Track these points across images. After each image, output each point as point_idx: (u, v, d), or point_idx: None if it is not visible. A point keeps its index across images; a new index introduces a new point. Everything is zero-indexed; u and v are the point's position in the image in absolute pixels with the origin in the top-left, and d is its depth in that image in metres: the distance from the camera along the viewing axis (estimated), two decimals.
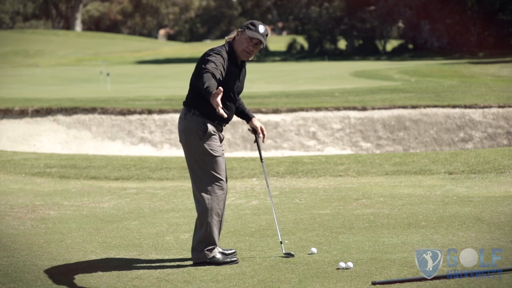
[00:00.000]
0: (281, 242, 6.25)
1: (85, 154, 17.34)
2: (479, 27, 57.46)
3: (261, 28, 5.97)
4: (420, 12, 60.86)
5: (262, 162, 6.42)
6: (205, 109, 5.91)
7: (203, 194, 5.92)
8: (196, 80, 5.88)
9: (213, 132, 5.96)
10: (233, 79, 5.98)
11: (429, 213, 7.67)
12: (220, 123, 6.02)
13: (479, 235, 6.56)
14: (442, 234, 6.67)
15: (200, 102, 5.92)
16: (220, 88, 5.41)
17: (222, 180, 5.97)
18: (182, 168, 12.04)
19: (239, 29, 6.03)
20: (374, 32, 64.64)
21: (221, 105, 5.40)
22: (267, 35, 6.01)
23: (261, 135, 6.27)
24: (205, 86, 5.50)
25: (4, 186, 10.83)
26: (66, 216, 8.34)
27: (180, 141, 6.04)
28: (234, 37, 6.03)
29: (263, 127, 6.27)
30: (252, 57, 6.10)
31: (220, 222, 6.00)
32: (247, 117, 6.27)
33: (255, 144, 6.34)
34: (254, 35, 5.93)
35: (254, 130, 6.28)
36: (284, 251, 6.17)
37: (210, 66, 5.69)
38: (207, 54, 5.88)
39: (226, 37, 6.08)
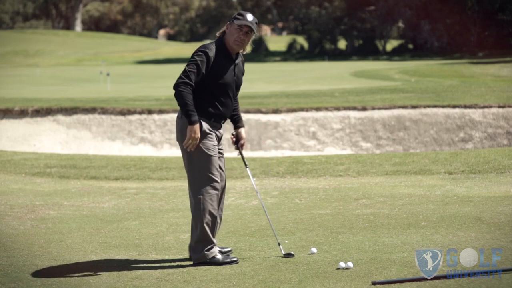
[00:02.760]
0: (279, 244, 6.24)
1: (85, 154, 17.34)
2: (479, 27, 57.46)
3: (249, 17, 5.95)
4: (420, 12, 60.85)
5: (247, 167, 6.39)
6: (201, 108, 5.91)
7: (196, 194, 5.92)
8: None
9: (208, 131, 5.94)
10: (227, 72, 5.95)
11: (429, 213, 7.67)
12: (217, 121, 6.01)
13: (479, 235, 6.56)
14: (442, 234, 6.67)
15: (195, 101, 5.91)
16: (197, 128, 5.71)
17: (215, 180, 5.94)
18: (182, 168, 12.03)
19: (228, 22, 6.03)
20: (374, 32, 64.64)
21: (196, 139, 5.74)
22: (256, 23, 5.99)
23: (241, 142, 6.30)
24: (186, 109, 5.74)
25: (4, 186, 10.83)
26: (66, 216, 8.34)
27: (177, 140, 6.04)
28: (224, 31, 6.02)
29: (246, 139, 6.34)
30: (247, 48, 6.07)
31: (215, 221, 5.99)
32: (237, 125, 6.30)
33: (236, 149, 6.34)
34: (242, 23, 5.92)
35: (237, 139, 6.29)
36: (283, 252, 6.16)
37: (189, 68, 5.81)
38: (193, 54, 5.93)
39: (217, 33, 6.08)
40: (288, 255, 6.10)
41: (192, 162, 5.94)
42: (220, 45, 5.97)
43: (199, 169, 5.93)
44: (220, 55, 5.93)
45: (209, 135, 5.96)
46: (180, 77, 5.81)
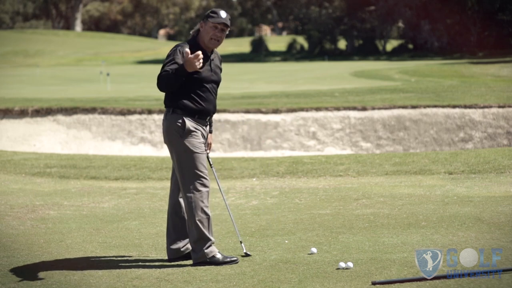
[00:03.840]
0: (241, 242, 6.32)
1: (85, 154, 17.34)
2: (479, 27, 57.45)
3: (223, 13, 6.03)
4: (420, 12, 60.84)
5: (212, 167, 6.44)
6: (183, 106, 5.95)
7: (187, 193, 5.96)
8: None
9: (192, 129, 5.97)
10: (203, 68, 5.98)
11: (429, 213, 7.67)
12: (202, 117, 6.02)
13: (479, 235, 6.56)
14: (442, 234, 6.67)
15: (177, 100, 5.95)
16: (187, 50, 5.72)
17: (203, 177, 5.97)
18: None
19: (201, 21, 6.07)
20: (374, 32, 64.63)
21: (192, 58, 5.69)
22: (230, 19, 6.07)
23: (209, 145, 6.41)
24: (171, 73, 5.75)
25: (4, 186, 10.83)
26: (66, 216, 8.34)
27: (164, 141, 6.08)
28: (198, 29, 6.06)
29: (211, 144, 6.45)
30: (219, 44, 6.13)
31: (208, 218, 6.00)
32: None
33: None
34: (217, 20, 5.98)
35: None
36: (244, 250, 6.22)
37: (162, 70, 5.86)
38: (168, 54, 5.98)
39: (191, 31, 6.12)
40: (246, 255, 6.16)
41: (180, 162, 5.97)
42: (194, 44, 6.02)
43: (188, 168, 5.95)
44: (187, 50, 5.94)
45: (194, 133, 5.99)
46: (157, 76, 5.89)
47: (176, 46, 5.97)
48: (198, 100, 5.98)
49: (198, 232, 5.96)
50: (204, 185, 5.98)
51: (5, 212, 8.58)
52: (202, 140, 6.04)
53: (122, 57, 64.87)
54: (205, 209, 5.98)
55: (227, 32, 6.08)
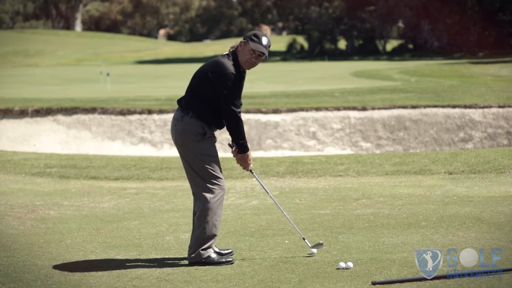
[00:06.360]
0: (304, 239, 6.36)
1: (85, 154, 17.34)
2: (479, 27, 57.42)
3: (264, 40, 6.01)
4: (420, 12, 60.81)
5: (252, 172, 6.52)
6: (204, 114, 5.99)
7: (205, 194, 5.97)
8: (201, 88, 5.98)
9: (209, 135, 6.06)
10: (239, 89, 6.02)
11: (429, 213, 7.68)
12: (214, 128, 6.10)
13: (479, 235, 6.56)
14: (442, 234, 6.67)
15: (200, 106, 5.99)
16: (250, 154, 6.14)
17: (221, 179, 6.05)
18: (182, 168, 12.02)
19: (242, 40, 6.04)
20: (374, 32, 64.60)
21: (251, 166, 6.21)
22: (269, 46, 6.07)
23: None
24: (241, 141, 6.04)
25: (4, 186, 10.83)
26: (66, 216, 8.34)
27: (176, 142, 6.07)
28: (237, 47, 6.05)
29: None
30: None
31: (220, 222, 6.03)
32: None
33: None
34: (257, 47, 5.98)
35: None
36: (310, 246, 6.26)
37: (235, 100, 5.93)
38: (224, 75, 5.89)
39: (230, 47, 6.09)
40: (314, 248, 6.21)
41: (196, 165, 6.00)
42: (235, 62, 6.01)
43: (205, 171, 6.00)
44: (236, 73, 5.97)
45: (210, 139, 6.07)
46: (232, 108, 5.91)
47: (231, 70, 5.91)
48: (219, 114, 6.01)
49: (205, 233, 5.96)
50: (222, 188, 6.04)
51: (5, 212, 8.58)
52: (215, 144, 6.11)
53: (122, 57, 64.84)
54: (219, 211, 6.02)
55: (264, 58, 6.04)
